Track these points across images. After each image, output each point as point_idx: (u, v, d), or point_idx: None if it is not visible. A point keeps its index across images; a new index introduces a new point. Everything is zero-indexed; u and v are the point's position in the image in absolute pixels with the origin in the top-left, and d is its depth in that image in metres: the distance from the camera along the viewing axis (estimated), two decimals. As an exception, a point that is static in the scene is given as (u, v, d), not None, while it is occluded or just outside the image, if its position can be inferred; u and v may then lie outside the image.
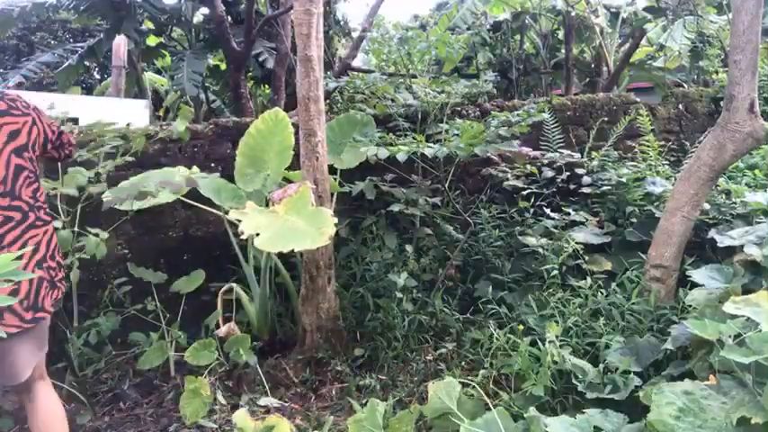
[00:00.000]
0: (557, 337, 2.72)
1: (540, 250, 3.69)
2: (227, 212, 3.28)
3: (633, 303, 3.01)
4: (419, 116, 4.38)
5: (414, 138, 3.91)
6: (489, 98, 5.45)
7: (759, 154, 4.86)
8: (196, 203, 3.67)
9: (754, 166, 4.71)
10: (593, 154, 4.66)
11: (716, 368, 2.18)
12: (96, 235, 3.19)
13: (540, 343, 2.76)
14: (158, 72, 10.70)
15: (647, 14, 6.51)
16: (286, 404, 3.12)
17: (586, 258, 3.62)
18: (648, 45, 7.70)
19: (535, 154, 4.03)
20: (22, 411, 2.28)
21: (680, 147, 5.73)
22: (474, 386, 2.69)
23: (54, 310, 2.29)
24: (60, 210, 3.28)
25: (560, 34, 7.82)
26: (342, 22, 8.32)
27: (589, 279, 3.27)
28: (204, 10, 7.36)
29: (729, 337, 2.10)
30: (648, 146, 4.56)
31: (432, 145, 3.59)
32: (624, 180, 4.06)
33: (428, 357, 3.38)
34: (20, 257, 1.52)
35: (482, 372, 2.94)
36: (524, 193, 4.36)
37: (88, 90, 11.38)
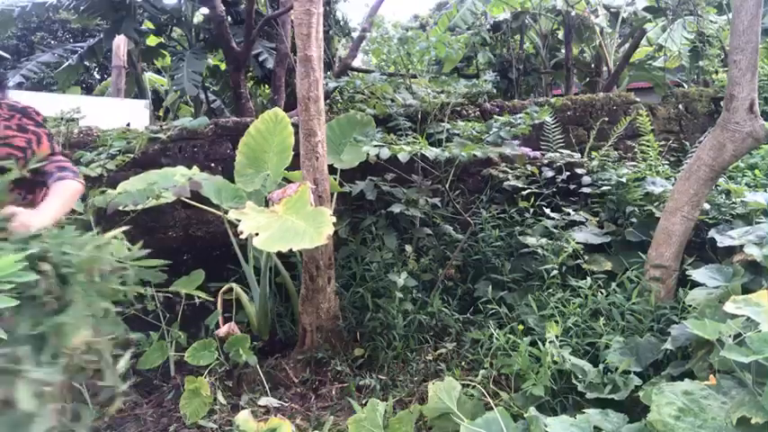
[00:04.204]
0: (557, 337, 2.72)
1: (540, 250, 3.69)
2: (226, 212, 3.28)
3: (633, 303, 3.01)
4: (419, 116, 4.38)
5: (415, 138, 3.90)
6: (489, 98, 5.45)
7: (759, 154, 4.86)
8: (196, 203, 3.67)
9: (754, 166, 4.71)
10: (593, 154, 4.66)
11: (716, 368, 2.18)
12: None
13: (540, 343, 2.76)
14: (158, 72, 10.70)
15: (647, 14, 6.51)
16: (286, 404, 3.12)
17: (586, 258, 3.62)
18: (648, 45, 7.69)
19: (535, 154, 4.03)
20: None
21: (680, 147, 5.73)
22: (474, 386, 2.70)
23: None
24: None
25: (560, 34, 7.82)
26: (342, 22, 8.31)
27: (589, 279, 3.27)
28: (204, 10, 7.35)
29: (729, 336, 2.10)
30: (648, 146, 4.56)
31: (433, 148, 3.59)
32: (624, 180, 4.06)
33: (428, 357, 3.38)
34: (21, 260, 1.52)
35: (482, 372, 2.94)
36: (524, 193, 4.36)
37: (88, 90, 11.38)
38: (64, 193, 2.03)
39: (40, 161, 2.08)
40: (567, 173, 4.48)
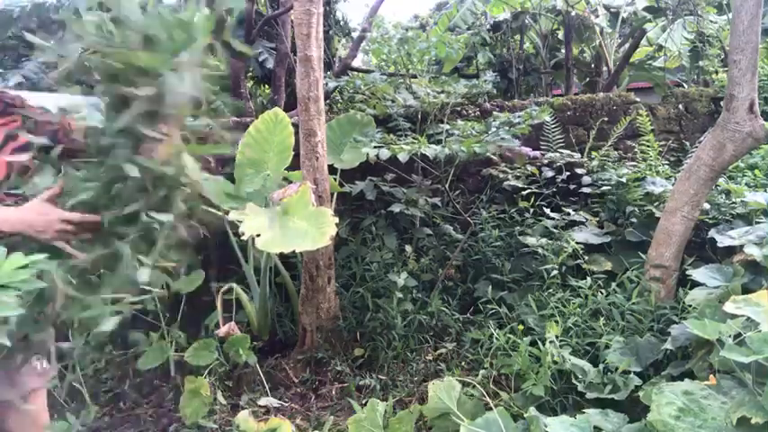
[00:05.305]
0: (557, 337, 2.72)
1: (540, 250, 3.69)
2: (227, 213, 3.28)
3: (633, 303, 3.01)
4: (419, 116, 4.38)
5: (414, 138, 3.90)
6: (489, 98, 5.45)
7: (759, 154, 4.85)
8: (196, 203, 3.67)
9: (754, 166, 4.71)
10: (593, 154, 4.66)
11: (716, 368, 2.18)
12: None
13: (540, 343, 2.76)
14: (158, 72, 10.68)
15: (647, 14, 6.50)
16: (286, 404, 3.13)
17: (586, 258, 3.62)
18: (648, 45, 7.69)
19: (535, 154, 4.03)
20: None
21: (680, 147, 5.72)
22: (474, 386, 2.70)
23: None
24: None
25: (560, 34, 7.80)
26: (342, 22, 8.30)
27: (589, 279, 3.27)
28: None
29: (729, 336, 2.10)
30: (648, 146, 4.56)
31: (433, 146, 3.59)
32: (624, 180, 4.06)
33: (428, 357, 3.38)
34: (25, 266, 1.49)
35: (482, 372, 2.95)
36: (524, 193, 4.36)
37: (88, 90, 11.35)
38: None
39: None
40: (567, 173, 4.48)
